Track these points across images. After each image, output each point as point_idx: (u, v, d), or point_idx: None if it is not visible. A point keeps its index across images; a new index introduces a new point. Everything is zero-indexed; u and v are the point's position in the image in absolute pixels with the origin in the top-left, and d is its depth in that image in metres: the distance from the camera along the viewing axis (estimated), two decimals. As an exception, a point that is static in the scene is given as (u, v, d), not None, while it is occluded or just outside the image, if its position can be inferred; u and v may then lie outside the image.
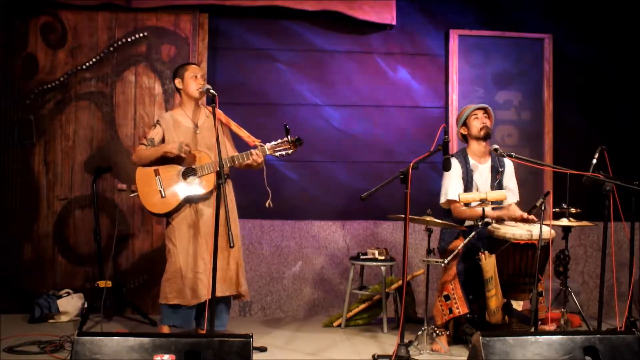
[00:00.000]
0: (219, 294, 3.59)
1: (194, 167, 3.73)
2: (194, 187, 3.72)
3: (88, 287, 4.72)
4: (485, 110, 4.15)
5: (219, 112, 3.67)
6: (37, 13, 4.84)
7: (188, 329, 3.83)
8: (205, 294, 3.63)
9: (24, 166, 4.82)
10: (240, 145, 3.96)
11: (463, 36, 5.17)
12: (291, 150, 3.67)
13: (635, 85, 5.32)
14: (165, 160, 3.74)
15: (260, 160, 3.70)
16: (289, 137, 3.65)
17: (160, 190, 3.72)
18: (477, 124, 4.09)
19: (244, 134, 3.87)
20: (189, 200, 3.74)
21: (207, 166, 3.70)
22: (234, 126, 3.90)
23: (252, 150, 3.69)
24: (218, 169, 3.52)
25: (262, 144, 3.72)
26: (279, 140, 3.68)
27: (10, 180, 4.81)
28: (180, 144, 3.66)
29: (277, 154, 3.68)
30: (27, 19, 4.83)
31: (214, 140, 3.75)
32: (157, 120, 3.86)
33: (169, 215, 3.77)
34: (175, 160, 3.74)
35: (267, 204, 3.76)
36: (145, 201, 3.73)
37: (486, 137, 4.11)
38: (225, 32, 5.05)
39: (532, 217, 3.90)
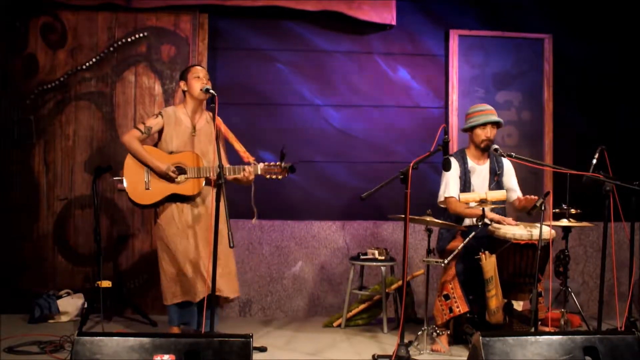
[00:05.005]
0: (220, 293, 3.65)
1: (184, 167, 3.73)
2: (180, 186, 3.72)
3: (88, 287, 4.73)
4: (498, 124, 4.10)
5: (219, 120, 3.72)
6: (37, 13, 4.84)
7: (194, 325, 3.82)
8: (203, 291, 3.65)
9: (24, 166, 4.82)
10: (232, 158, 3.94)
11: (463, 36, 5.16)
12: (281, 176, 3.72)
13: (636, 85, 5.32)
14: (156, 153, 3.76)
15: (251, 178, 3.72)
16: (282, 163, 3.69)
17: (145, 182, 3.72)
18: (482, 135, 4.05)
19: (240, 148, 3.88)
20: (173, 199, 3.74)
21: (197, 170, 3.70)
22: (232, 138, 3.90)
23: (246, 167, 3.71)
24: (207, 175, 3.65)
25: (255, 163, 3.74)
26: (272, 163, 3.73)
27: (10, 180, 4.81)
28: (169, 169, 3.67)
29: (268, 176, 3.72)
30: (27, 19, 4.83)
31: (210, 147, 3.79)
32: (160, 112, 3.84)
33: (147, 208, 3.79)
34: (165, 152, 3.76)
35: (253, 221, 3.79)
36: (129, 189, 3.73)
37: (486, 149, 4.10)
38: (225, 32, 5.05)
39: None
